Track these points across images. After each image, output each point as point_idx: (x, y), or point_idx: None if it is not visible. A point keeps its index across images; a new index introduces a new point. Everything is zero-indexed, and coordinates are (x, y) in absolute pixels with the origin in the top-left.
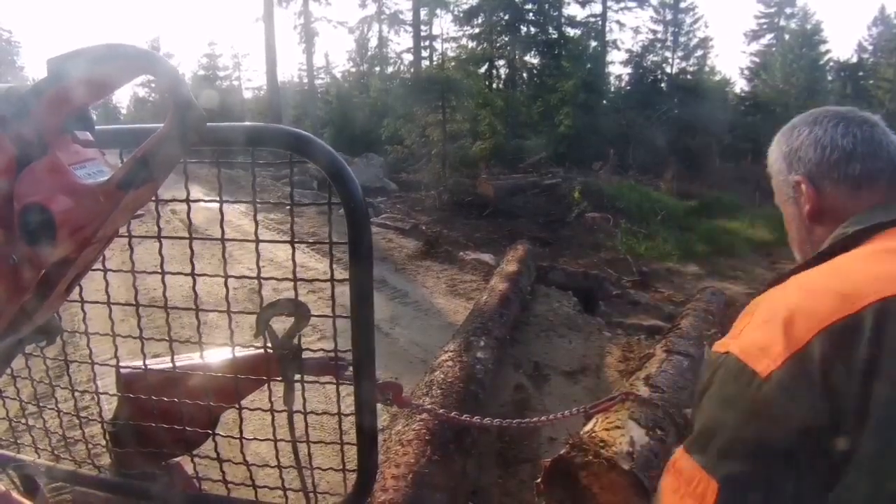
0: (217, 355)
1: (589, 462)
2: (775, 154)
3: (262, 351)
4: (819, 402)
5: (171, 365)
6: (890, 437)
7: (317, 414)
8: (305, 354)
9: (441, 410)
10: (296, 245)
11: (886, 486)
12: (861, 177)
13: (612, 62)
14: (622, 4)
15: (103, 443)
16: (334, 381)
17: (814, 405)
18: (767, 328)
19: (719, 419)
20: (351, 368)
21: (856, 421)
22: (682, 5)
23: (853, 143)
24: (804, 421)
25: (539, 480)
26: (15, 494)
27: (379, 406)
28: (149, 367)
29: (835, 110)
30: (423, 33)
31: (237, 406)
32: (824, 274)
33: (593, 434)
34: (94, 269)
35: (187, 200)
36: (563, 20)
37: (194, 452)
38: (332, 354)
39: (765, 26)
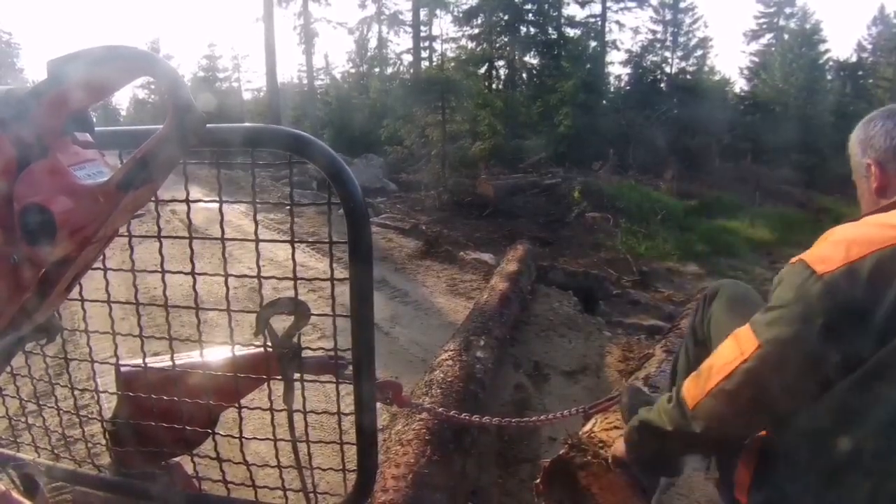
0: (217, 354)
1: (588, 462)
2: (854, 140)
3: (261, 350)
4: (857, 306)
5: (170, 363)
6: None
7: (317, 413)
8: (305, 353)
9: (440, 409)
10: (296, 245)
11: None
12: None
13: (611, 62)
14: (622, 4)
15: (103, 442)
16: (334, 380)
17: (852, 307)
18: (833, 246)
19: (779, 300)
20: (350, 367)
21: (881, 330)
22: (682, 5)
23: None
24: (838, 317)
25: (538, 481)
26: (15, 494)
27: (378, 406)
28: (148, 365)
29: None
30: (422, 34)
31: (237, 405)
32: (887, 216)
33: (592, 434)
34: (94, 269)
35: (187, 201)
36: (562, 20)
37: (194, 452)
38: (332, 353)
39: (764, 26)
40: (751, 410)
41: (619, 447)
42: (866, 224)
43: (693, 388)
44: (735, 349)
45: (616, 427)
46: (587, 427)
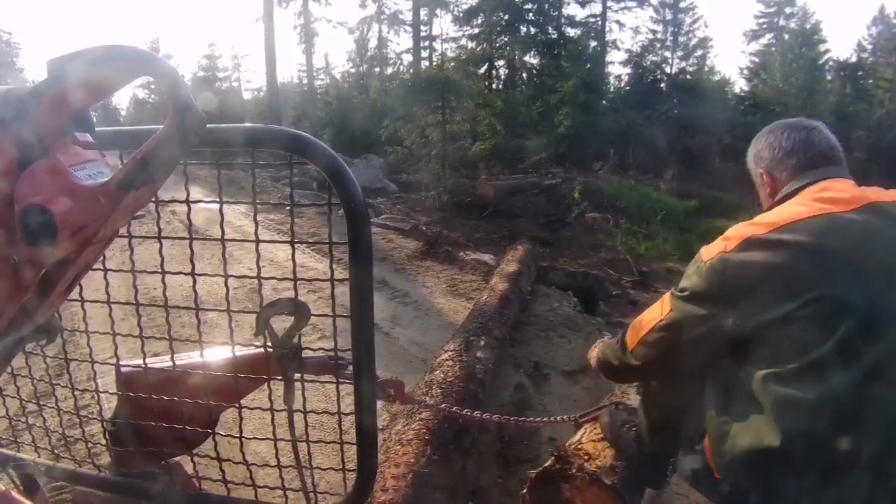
0: (217, 354)
1: (572, 475)
2: (749, 155)
3: (261, 350)
4: (724, 285)
5: (170, 364)
6: (755, 310)
7: (317, 413)
8: (305, 354)
9: (443, 405)
10: (296, 245)
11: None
12: (797, 165)
13: (611, 62)
14: (622, 4)
15: (103, 442)
16: (334, 380)
17: (721, 286)
18: (719, 240)
19: (684, 277)
20: (350, 368)
21: (741, 295)
22: (682, 5)
23: (792, 144)
24: (711, 294)
25: (524, 492)
26: (15, 494)
27: (379, 405)
28: (149, 365)
29: (785, 122)
30: (422, 34)
31: (237, 405)
32: (766, 214)
33: (579, 446)
34: (94, 269)
35: (187, 201)
36: (562, 20)
37: (194, 452)
38: (332, 354)
39: (764, 26)
40: (666, 354)
41: (592, 359)
42: (746, 223)
43: (631, 336)
44: (658, 310)
45: (604, 438)
46: (576, 437)
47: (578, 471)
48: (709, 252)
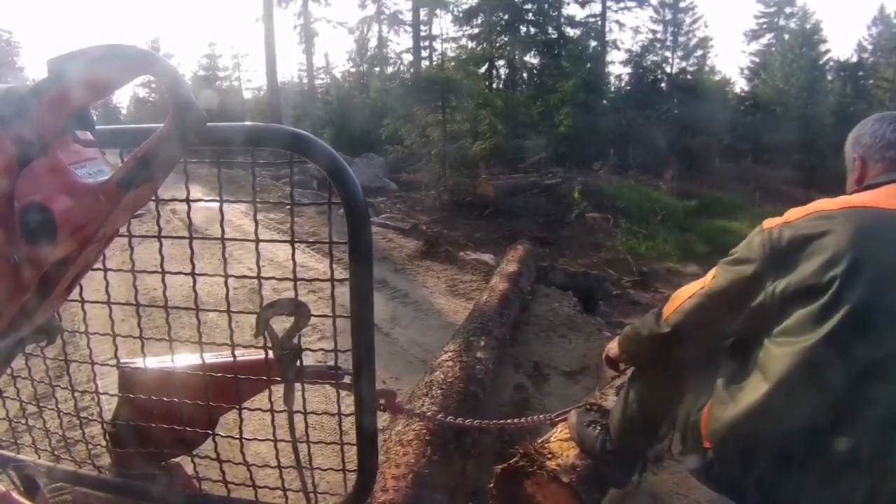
0: (217, 358)
1: (534, 472)
2: (850, 136)
3: (261, 354)
4: (775, 250)
5: (172, 365)
6: (793, 276)
7: (317, 414)
8: (305, 356)
9: (436, 414)
10: (296, 245)
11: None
12: (894, 158)
13: (611, 62)
14: (622, 4)
15: (103, 443)
16: (334, 382)
17: (773, 249)
18: (784, 213)
19: (738, 247)
20: (347, 377)
21: (786, 260)
22: (682, 5)
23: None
24: (760, 256)
25: (491, 485)
26: (15, 495)
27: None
28: (150, 367)
29: (893, 115)
30: (422, 33)
31: (237, 406)
32: (840, 198)
33: (545, 445)
34: (94, 269)
35: (187, 200)
36: (562, 20)
37: (194, 452)
38: (332, 354)
39: (764, 26)
40: (698, 322)
41: (612, 347)
42: (820, 201)
43: (669, 305)
44: (702, 280)
45: (571, 438)
46: (546, 436)
47: (539, 468)
48: (772, 221)
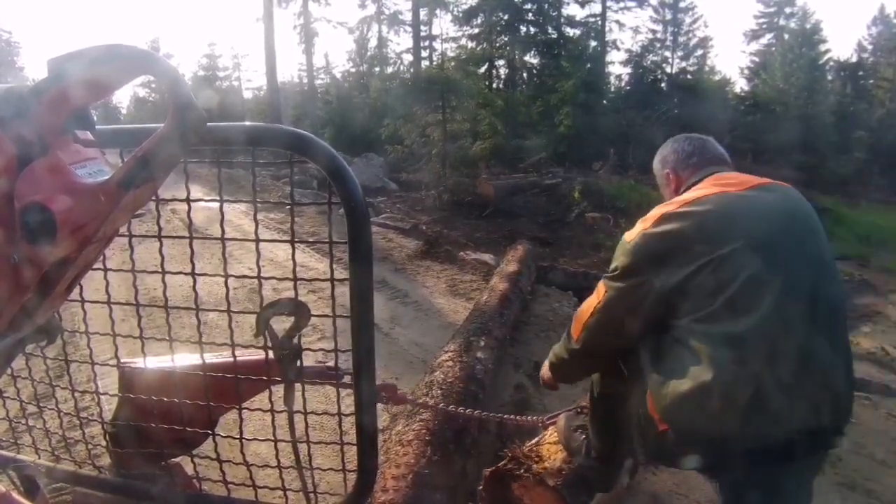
0: (218, 358)
1: (521, 475)
2: (656, 160)
3: (261, 355)
4: (649, 254)
5: (172, 365)
6: (676, 268)
7: (317, 414)
8: (305, 356)
9: (435, 403)
10: (296, 245)
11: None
12: (697, 163)
13: (611, 62)
14: (622, 4)
15: (103, 443)
16: (334, 383)
17: (646, 255)
18: (638, 223)
19: (613, 260)
20: (346, 377)
21: (663, 259)
22: (682, 5)
23: (693, 148)
24: (638, 265)
25: (480, 488)
26: (15, 495)
27: (379, 406)
28: (150, 366)
29: (684, 134)
30: (422, 33)
31: (237, 406)
32: (671, 202)
33: (533, 448)
34: (94, 269)
35: (187, 200)
36: (562, 20)
37: (194, 452)
38: (332, 355)
39: (764, 26)
40: (607, 332)
41: (545, 372)
42: (660, 206)
43: (575, 326)
44: (595, 297)
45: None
46: (535, 439)
47: (526, 471)
48: (631, 234)
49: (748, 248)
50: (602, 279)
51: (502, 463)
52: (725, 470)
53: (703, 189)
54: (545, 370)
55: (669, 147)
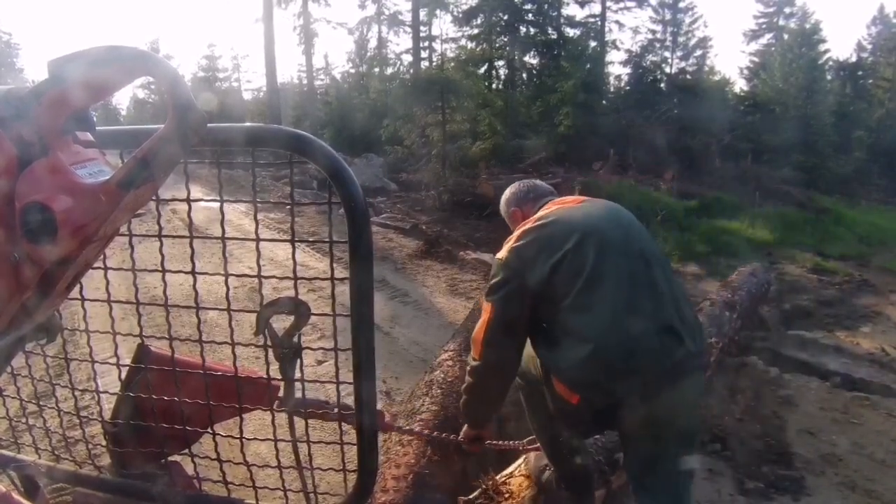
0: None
1: None
2: (501, 205)
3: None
4: (518, 262)
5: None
6: (540, 266)
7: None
8: (305, 354)
9: (436, 415)
10: (296, 244)
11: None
12: (535, 196)
13: (611, 62)
14: (621, 4)
15: (104, 443)
16: (334, 381)
17: (516, 264)
18: (506, 244)
19: (490, 281)
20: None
21: (529, 262)
22: (681, 5)
23: (527, 188)
24: (511, 274)
25: None
26: (15, 495)
27: (379, 406)
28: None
29: (517, 181)
30: (422, 34)
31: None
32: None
33: (507, 480)
34: (94, 268)
35: (188, 200)
36: (562, 20)
37: (194, 452)
38: (331, 361)
39: (764, 26)
40: (503, 337)
41: (465, 430)
42: (517, 228)
43: (474, 349)
44: (484, 315)
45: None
46: (509, 469)
47: None
48: (501, 253)
49: (587, 236)
50: (485, 299)
51: (474, 495)
52: (629, 396)
53: (546, 209)
54: (465, 430)
55: (509, 192)
